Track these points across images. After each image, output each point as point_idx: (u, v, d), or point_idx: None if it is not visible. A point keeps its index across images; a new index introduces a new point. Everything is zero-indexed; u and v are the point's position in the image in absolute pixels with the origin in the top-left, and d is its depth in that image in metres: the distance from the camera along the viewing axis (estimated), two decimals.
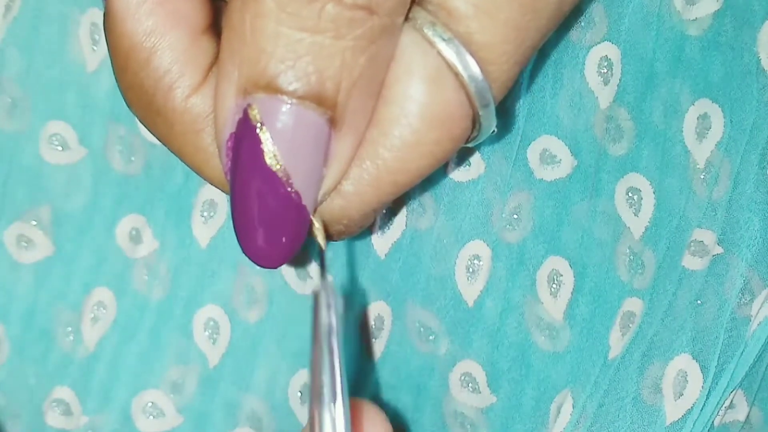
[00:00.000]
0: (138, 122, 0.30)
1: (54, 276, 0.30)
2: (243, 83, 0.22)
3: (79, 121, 0.30)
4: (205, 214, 0.30)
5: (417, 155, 0.23)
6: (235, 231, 0.24)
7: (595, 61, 0.29)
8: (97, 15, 0.30)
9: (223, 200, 0.30)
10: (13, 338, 0.30)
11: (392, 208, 0.29)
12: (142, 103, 0.24)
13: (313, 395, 0.22)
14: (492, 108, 0.23)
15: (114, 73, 0.24)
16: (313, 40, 0.21)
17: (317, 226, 0.24)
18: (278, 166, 0.22)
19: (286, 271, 0.30)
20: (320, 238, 0.24)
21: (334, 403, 0.22)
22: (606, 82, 0.29)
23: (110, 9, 0.23)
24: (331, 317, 0.22)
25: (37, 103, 0.30)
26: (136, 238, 0.30)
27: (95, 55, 0.30)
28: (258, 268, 0.30)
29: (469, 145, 0.25)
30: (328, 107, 0.22)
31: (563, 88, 0.29)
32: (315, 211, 0.24)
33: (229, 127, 0.22)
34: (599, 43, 0.29)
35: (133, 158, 0.30)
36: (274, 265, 0.24)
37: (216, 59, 0.24)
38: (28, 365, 0.30)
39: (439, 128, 0.23)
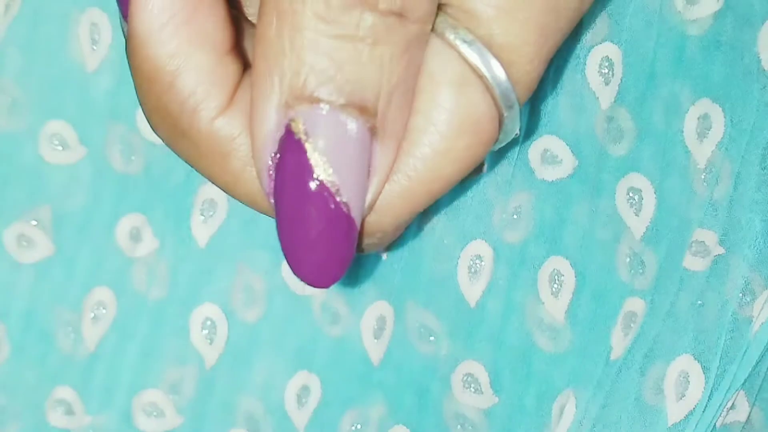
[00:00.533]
0: (138, 121, 0.30)
1: (54, 276, 0.30)
2: (284, 98, 0.21)
3: (79, 121, 0.30)
4: (205, 213, 0.30)
5: (448, 163, 0.23)
6: (284, 254, 0.23)
7: (596, 61, 0.29)
8: (96, 15, 0.30)
9: (222, 199, 0.30)
10: (13, 338, 0.30)
11: None
12: (167, 126, 0.23)
13: None
14: (516, 110, 0.23)
15: (137, 97, 0.23)
16: (353, 48, 0.21)
17: None
18: (328, 177, 0.22)
19: (286, 271, 0.30)
20: None
21: None
22: (607, 82, 0.29)
23: (132, 32, 0.22)
24: None
25: (37, 102, 0.30)
26: (135, 237, 0.30)
27: (95, 55, 0.30)
28: (258, 267, 0.30)
29: (493, 149, 0.25)
30: (370, 115, 0.21)
31: (564, 88, 0.29)
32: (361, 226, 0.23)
33: (270, 147, 0.22)
34: (600, 43, 0.29)
35: (133, 158, 0.30)
36: (328, 285, 0.23)
37: (241, 80, 0.23)
38: (28, 365, 0.30)
39: (469, 133, 0.23)
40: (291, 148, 0.22)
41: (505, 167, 0.29)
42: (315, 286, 0.23)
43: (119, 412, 0.30)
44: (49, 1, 0.30)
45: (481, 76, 0.22)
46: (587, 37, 0.29)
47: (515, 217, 0.29)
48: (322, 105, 0.21)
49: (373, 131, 0.22)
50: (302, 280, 0.23)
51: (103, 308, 0.30)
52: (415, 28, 0.21)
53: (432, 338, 0.29)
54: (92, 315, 0.30)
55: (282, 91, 0.21)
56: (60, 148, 0.30)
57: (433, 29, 0.22)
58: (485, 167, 0.29)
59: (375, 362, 0.30)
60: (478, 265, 0.29)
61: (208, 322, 0.30)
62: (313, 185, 0.22)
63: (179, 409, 0.30)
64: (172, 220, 0.30)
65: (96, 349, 0.30)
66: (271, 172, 0.22)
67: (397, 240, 0.30)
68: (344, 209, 0.22)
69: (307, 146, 0.21)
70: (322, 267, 0.23)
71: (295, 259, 0.23)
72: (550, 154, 0.29)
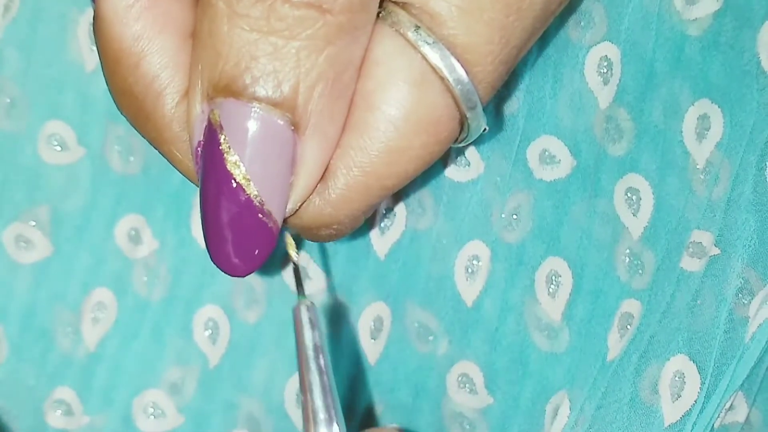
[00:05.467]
0: None
1: (53, 276, 0.30)
2: (205, 88, 0.22)
3: (78, 121, 0.30)
4: None
5: (404, 160, 0.23)
6: (204, 241, 0.23)
7: (595, 60, 0.29)
8: None
9: None
10: (12, 339, 0.30)
11: (392, 209, 0.29)
12: (132, 108, 0.24)
13: (308, 418, 0.21)
14: (479, 109, 0.23)
15: (104, 77, 0.24)
16: (266, 41, 0.21)
17: (289, 241, 0.23)
18: (238, 171, 0.22)
19: (286, 271, 0.30)
20: (292, 253, 0.23)
21: (332, 425, 0.21)
22: (606, 82, 0.28)
23: (99, 13, 0.23)
24: (315, 336, 0.22)
25: (36, 102, 0.30)
26: (135, 238, 0.30)
27: (94, 55, 0.30)
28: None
29: (460, 145, 0.25)
30: (286, 109, 0.22)
31: (563, 87, 0.29)
32: (285, 220, 0.24)
33: (197, 134, 0.22)
34: (599, 42, 0.28)
35: (131, 158, 0.30)
36: (242, 274, 0.24)
37: None
38: (27, 366, 0.30)
39: (426, 132, 0.23)
40: (208, 138, 0.22)
41: (503, 167, 0.29)
42: (231, 275, 0.24)
43: (119, 412, 0.30)
44: (48, 1, 0.30)
45: (441, 77, 0.22)
46: (586, 37, 0.29)
47: (514, 217, 0.29)
48: (237, 98, 0.21)
49: (294, 125, 0.22)
50: (218, 267, 0.24)
51: (104, 309, 0.30)
52: (337, 21, 0.21)
53: (430, 338, 0.29)
54: (92, 316, 0.30)
55: (203, 82, 0.22)
56: (59, 148, 0.30)
57: (396, 28, 0.22)
58: (483, 168, 0.29)
59: (371, 362, 0.30)
60: (475, 265, 0.29)
61: (211, 323, 0.30)
62: (224, 177, 0.22)
63: (180, 409, 0.30)
64: (171, 220, 0.30)
65: (96, 349, 0.30)
66: (198, 159, 0.23)
67: (377, 226, 0.30)
68: (256, 202, 0.22)
69: (221, 137, 0.22)
70: (236, 258, 0.23)
71: (210, 246, 0.23)
72: (548, 154, 0.29)
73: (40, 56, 0.30)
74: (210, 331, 0.30)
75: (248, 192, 0.22)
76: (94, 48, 0.30)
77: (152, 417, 0.30)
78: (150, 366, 0.30)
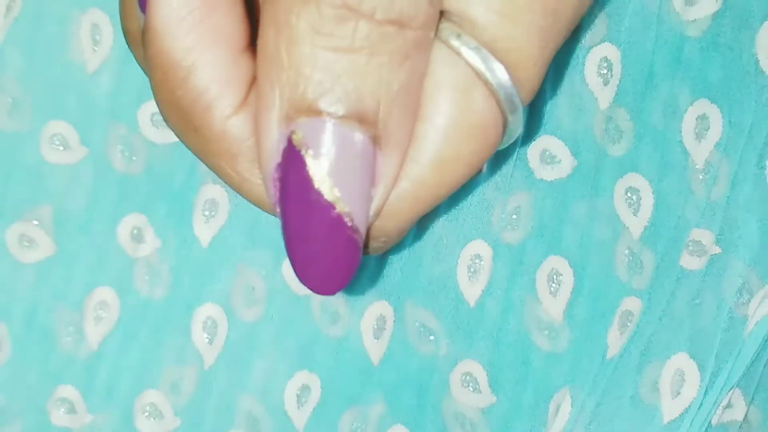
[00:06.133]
0: (139, 121, 0.30)
1: (55, 275, 0.30)
2: (285, 110, 0.21)
3: (80, 121, 0.30)
4: (207, 213, 0.30)
5: (455, 168, 0.23)
6: (291, 263, 0.23)
7: (595, 61, 0.29)
8: (97, 15, 0.30)
9: (224, 199, 0.30)
10: (15, 338, 0.30)
11: None
12: (179, 120, 0.23)
13: None
14: (520, 113, 0.23)
15: (151, 89, 0.23)
16: (350, 59, 0.21)
17: None
18: (327, 189, 0.22)
19: (287, 272, 0.30)
20: None
21: None
22: (606, 83, 0.29)
23: (149, 25, 0.22)
24: None
25: (38, 103, 0.30)
26: (137, 237, 0.30)
27: (96, 56, 0.30)
28: (258, 267, 0.30)
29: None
30: (370, 125, 0.21)
31: (563, 88, 0.29)
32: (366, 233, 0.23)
33: (274, 158, 0.22)
34: (599, 43, 0.29)
35: (134, 158, 0.30)
36: (333, 292, 0.23)
37: (255, 79, 0.23)
38: (30, 364, 0.30)
39: (475, 139, 0.23)
40: (293, 160, 0.22)
41: (504, 167, 0.29)
42: (321, 294, 0.23)
43: (121, 412, 0.30)
44: (50, 1, 0.30)
45: (485, 81, 0.22)
46: (586, 38, 0.29)
47: (514, 217, 0.29)
48: (321, 116, 0.21)
49: (375, 140, 0.22)
50: (308, 288, 0.23)
51: (106, 308, 0.30)
52: (415, 35, 0.21)
53: (432, 338, 0.29)
54: (95, 315, 0.30)
55: (282, 103, 0.21)
56: (61, 148, 0.30)
57: (437, 36, 0.22)
58: (485, 167, 0.29)
59: (375, 362, 0.30)
60: (477, 264, 0.29)
61: (209, 322, 0.30)
62: (313, 197, 0.22)
63: (177, 411, 0.30)
64: (173, 220, 0.30)
65: (99, 348, 0.30)
66: (276, 182, 0.22)
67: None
68: (346, 220, 0.22)
69: (307, 158, 0.21)
70: (327, 276, 0.23)
71: (301, 269, 0.23)
72: (549, 154, 0.29)
73: (42, 56, 0.30)
74: (207, 331, 0.30)
75: (339, 209, 0.22)
76: (96, 49, 0.30)
77: (152, 418, 0.30)
78: (151, 366, 0.30)
